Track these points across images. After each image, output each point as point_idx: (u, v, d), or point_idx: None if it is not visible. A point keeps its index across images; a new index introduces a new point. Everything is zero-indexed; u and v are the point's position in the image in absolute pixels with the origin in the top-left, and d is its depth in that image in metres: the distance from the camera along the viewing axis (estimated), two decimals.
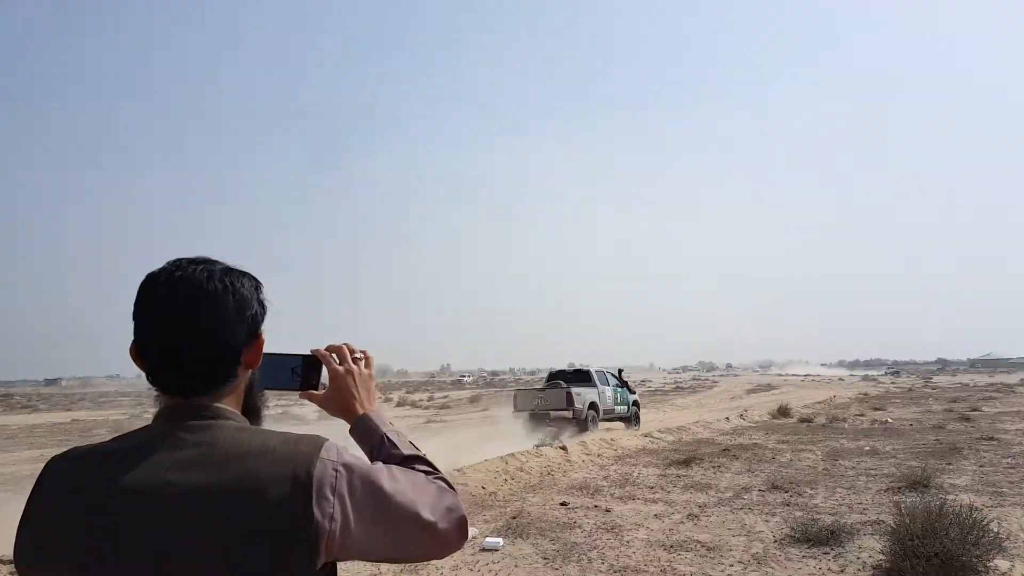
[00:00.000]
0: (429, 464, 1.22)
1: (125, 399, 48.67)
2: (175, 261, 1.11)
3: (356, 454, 1.13)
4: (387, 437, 1.25)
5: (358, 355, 1.34)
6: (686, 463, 12.14)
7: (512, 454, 12.45)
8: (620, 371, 22.44)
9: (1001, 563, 5.82)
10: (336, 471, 1.04)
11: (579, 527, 7.77)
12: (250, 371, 1.17)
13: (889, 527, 6.38)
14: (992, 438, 14.91)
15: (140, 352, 1.09)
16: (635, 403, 22.43)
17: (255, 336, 1.15)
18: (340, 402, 1.30)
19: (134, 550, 0.97)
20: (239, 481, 1.00)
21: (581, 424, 18.36)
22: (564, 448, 13.58)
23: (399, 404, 44.67)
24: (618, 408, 20.89)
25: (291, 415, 25.12)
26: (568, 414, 18.40)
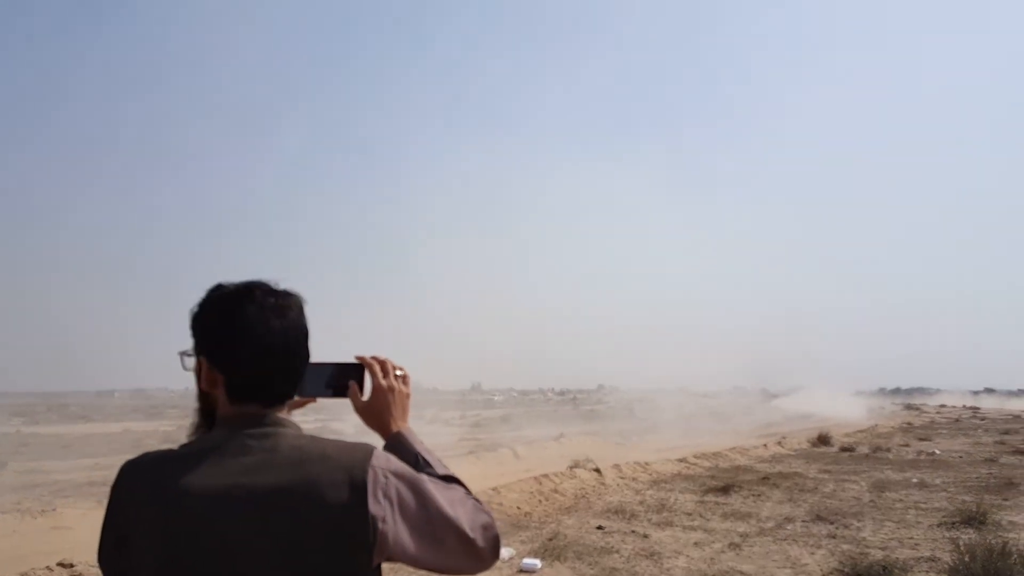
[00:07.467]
0: (463, 485, 1.26)
1: (174, 411, 49.80)
2: (252, 282, 1.20)
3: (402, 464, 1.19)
4: (422, 456, 1.29)
5: (398, 372, 1.38)
6: (724, 490, 11.85)
7: (546, 475, 12.33)
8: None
9: None
10: (386, 477, 1.12)
11: (617, 552, 7.62)
12: None
13: (947, 565, 6.16)
14: None
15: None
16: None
17: None
18: (378, 416, 1.33)
19: (207, 549, 1.05)
20: (301, 485, 1.08)
21: None
22: (598, 471, 13.40)
23: (431, 422, 44.72)
24: None
25: (329, 430, 25.26)
26: None
